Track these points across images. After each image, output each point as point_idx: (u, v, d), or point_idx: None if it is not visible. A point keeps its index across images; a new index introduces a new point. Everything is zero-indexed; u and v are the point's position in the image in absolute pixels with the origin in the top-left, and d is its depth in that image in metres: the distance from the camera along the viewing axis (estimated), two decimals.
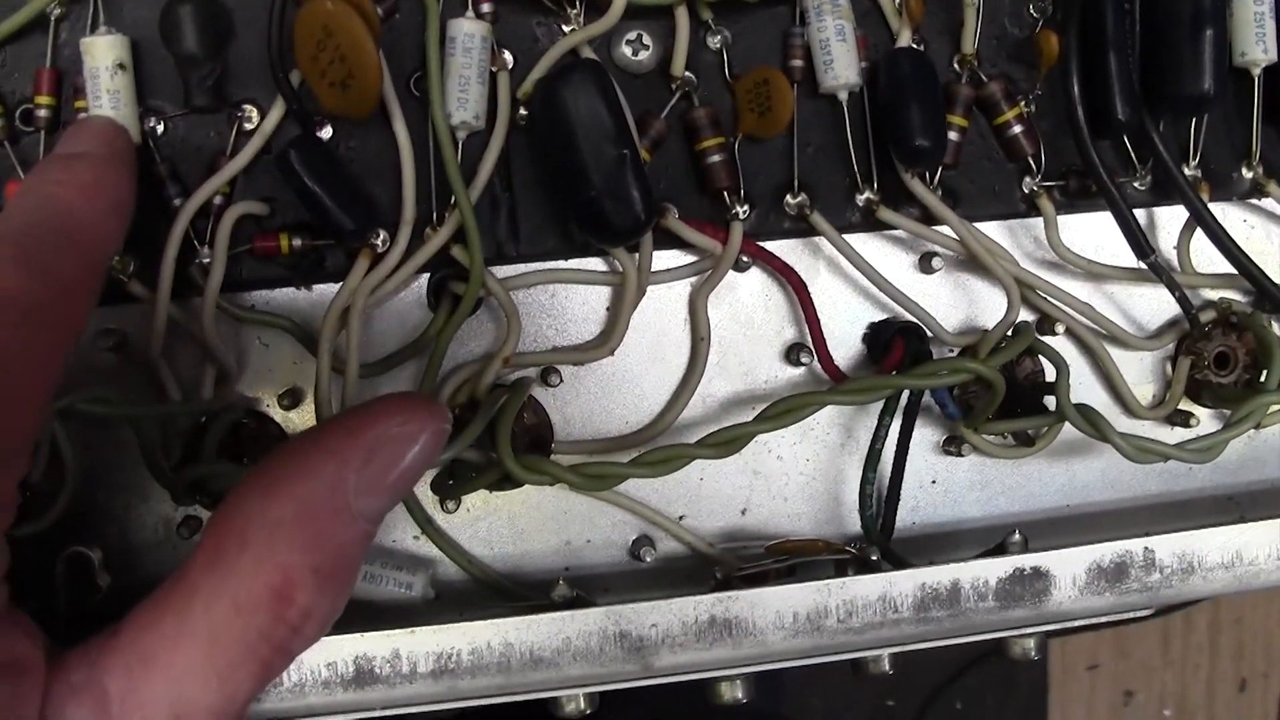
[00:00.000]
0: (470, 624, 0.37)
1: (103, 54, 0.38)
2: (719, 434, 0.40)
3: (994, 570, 0.39)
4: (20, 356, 0.30)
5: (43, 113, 0.39)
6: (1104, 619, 0.40)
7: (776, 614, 0.38)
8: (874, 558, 0.41)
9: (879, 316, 0.44)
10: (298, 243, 0.40)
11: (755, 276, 0.44)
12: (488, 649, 0.37)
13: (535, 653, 0.37)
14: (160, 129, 0.40)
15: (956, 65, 0.43)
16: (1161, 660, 1.09)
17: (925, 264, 0.44)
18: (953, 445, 0.45)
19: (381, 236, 0.40)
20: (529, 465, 0.39)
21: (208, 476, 0.39)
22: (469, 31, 0.39)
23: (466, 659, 0.37)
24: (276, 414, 0.42)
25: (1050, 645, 1.11)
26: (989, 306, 0.45)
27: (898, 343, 0.42)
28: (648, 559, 0.43)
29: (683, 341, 0.43)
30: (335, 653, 0.36)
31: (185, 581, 0.32)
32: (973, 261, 0.43)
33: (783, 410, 0.40)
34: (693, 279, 0.43)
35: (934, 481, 0.45)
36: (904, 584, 0.39)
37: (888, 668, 0.41)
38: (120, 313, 0.40)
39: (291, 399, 0.42)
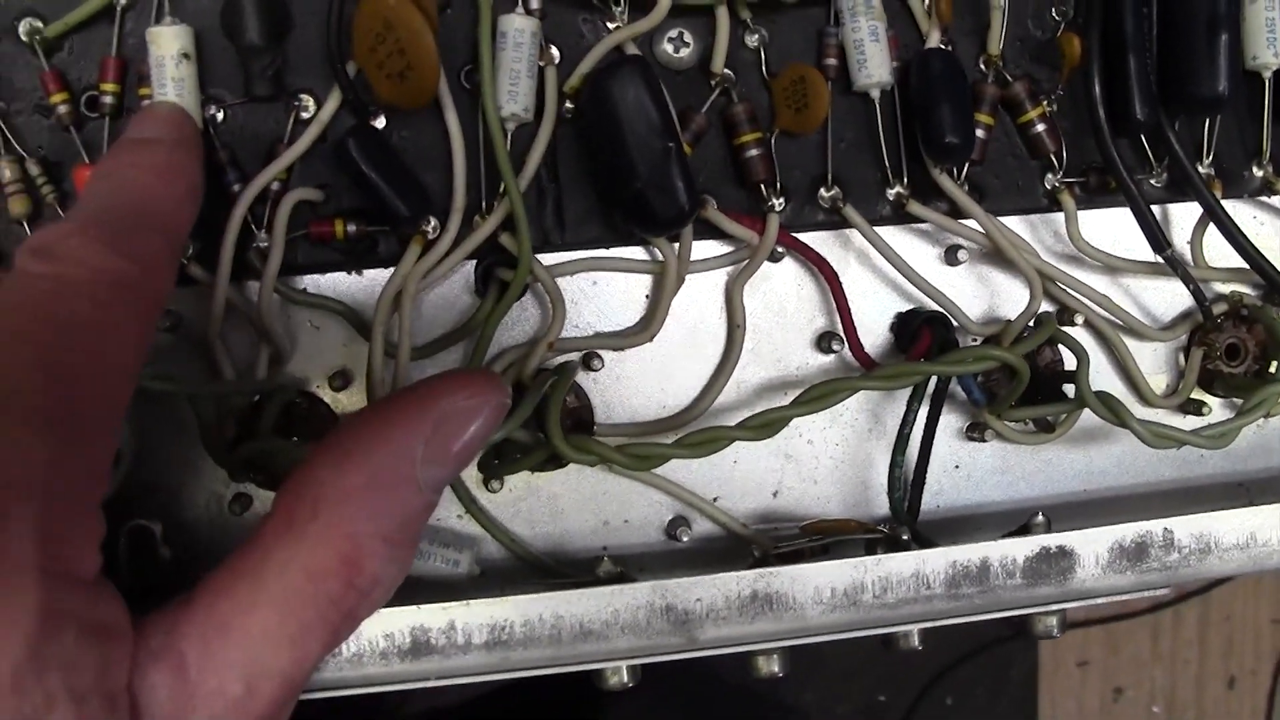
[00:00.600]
0: (523, 597, 0.38)
1: (168, 43, 0.39)
2: (758, 417, 0.41)
3: (1021, 549, 0.41)
4: (113, 333, 0.32)
5: (108, 99, 0.40)
6: (1125, 596, 0.42)
7: (815, 589, 0.39)
8: (905, 537, 0.42)
9: (906, 306, 0.46)
10: (352, 228, 0.41)
11: (788, 266, 0.45)
12: (539, 621, 0.38)
13: (585, 625, 0.38)
14: (220, 117, 0.41)
15: (983, 65, 0.44)
16: (1151, 656, 1.11)
17: (951, 256, 0.45)
18: (975, 431, 0.46)
19: (432, 224, 0.42)
20: (577, 445, 0.40)
21: (267, 453, 0.40)
22: (520, 27, 0.41)
23: (519, 631, 0.38)
24: (326, 395, 0.43)
25: (1040, 641, 1.13)
26: (1010, 297, 0.46)
27: (925, 331, 0.44)
28: (684, 539, 0.45)
29: (719, 329, 0.45)
30: (392, 624, 0.38)
31: (258, 549, 0.33)
32: (996, 254, 0.45)
33: (818, 395, 0.41)
34: (729, 268, 0.45)
35: (957, 466, 0.47)
36: (936, 561, 0.40)
37: (917, 643, 0.43)
38: (176, 294, 0.41)
39: (342, 380, 0.43)
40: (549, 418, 0.40)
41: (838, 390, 0.42)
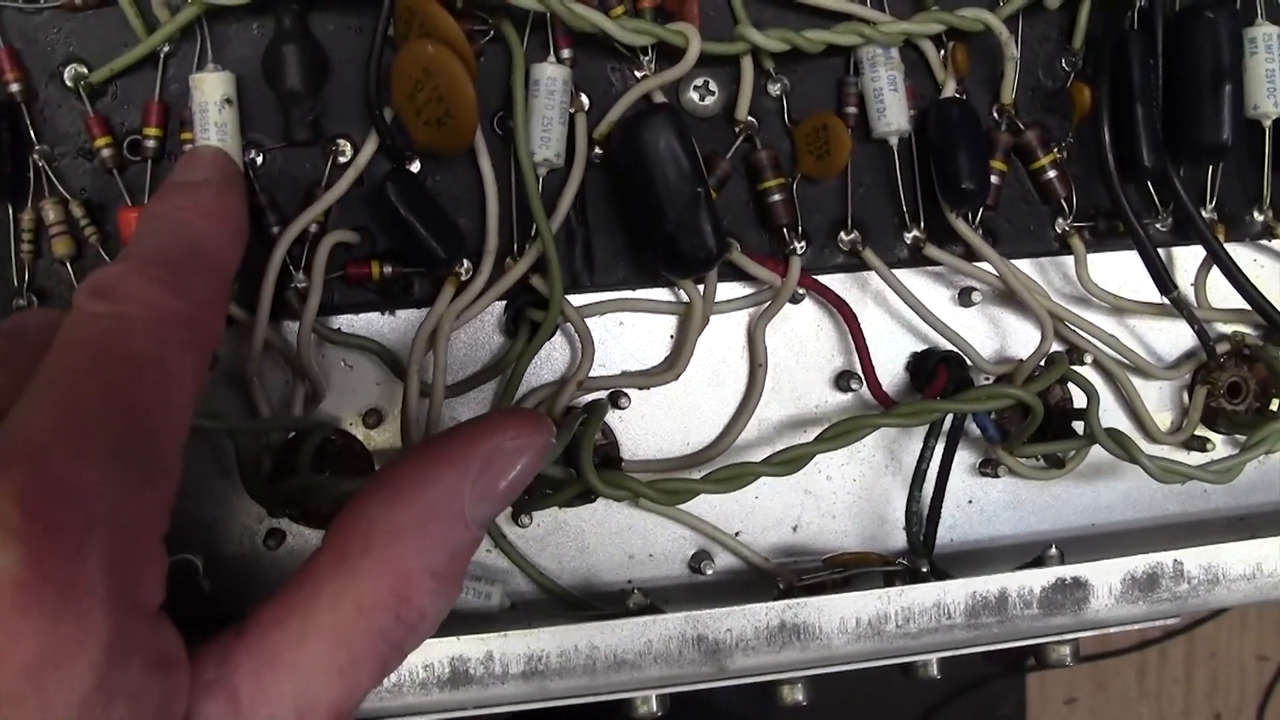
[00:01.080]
0: (559, 628, 0.39)
1: (212, 89, 0.40)
2: (783, 453, 0.42)
3: (1038, 580, 0.42)
4: (173, 372, 0.32)
5: (150, 143, 0.41)
6: (1137, 626, 0.43)
7: (840, 619, 0.41)
8: (924, 570, 0.44)
9: (921, 346, 0.47)
10: (388, 270, 0.42)
11: (808, 308, 0.46)
12: (575, 651, 0.39)
13: (619, 655, 0.39)
14: (259, 160, 0.42)
15: (996, 114, 0.46)
16: (1138, 693, 1.12)
17: (964, 298, 0.47)
18: (988, 467, 0.48)
19: (465, 265, 0.43)
20: (609, 480, 0.41)
21: (306, 489, 0.41)
22: (552, 75, 0.42)
23: (555, 661, 0.39)
24: (359, 432, 0.44)
25: (1028, 679, 1.14)
26: (1021, 338, 0.48)
27: (941, 371, 0.45)
28: (707, 572, 0.46)
29: (741, 368, 0.46)
30: (431, 655, 0.39)
31: (309, 582, 0.34)
32: (1008, 296, 0.46)
33: (841, 432, 0.43)
34: (751, 309, 0.46)
35: (970, 501, 0.48)
36: (957, 592, 0.41)
37: (935, 672, 0.44)
38: None
39: (375, 418, 0.44)
40: (582, 455, 0.41)
41: (859, 427, 0.43)
